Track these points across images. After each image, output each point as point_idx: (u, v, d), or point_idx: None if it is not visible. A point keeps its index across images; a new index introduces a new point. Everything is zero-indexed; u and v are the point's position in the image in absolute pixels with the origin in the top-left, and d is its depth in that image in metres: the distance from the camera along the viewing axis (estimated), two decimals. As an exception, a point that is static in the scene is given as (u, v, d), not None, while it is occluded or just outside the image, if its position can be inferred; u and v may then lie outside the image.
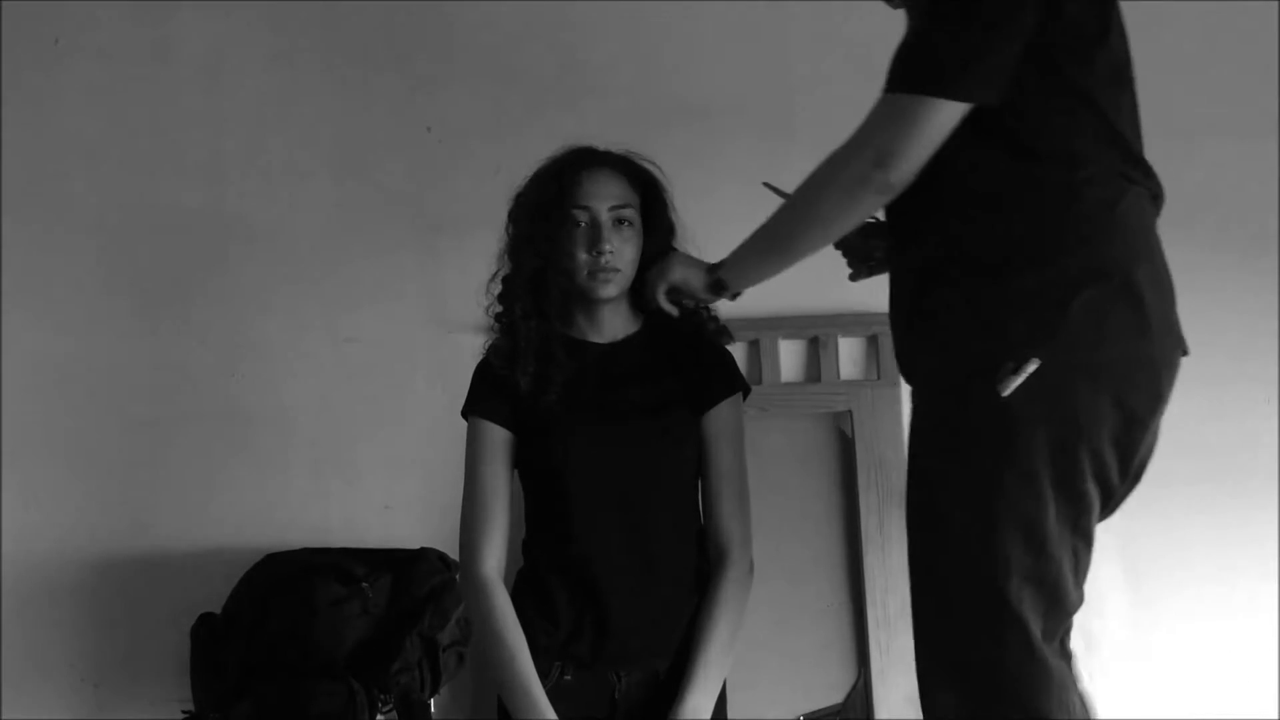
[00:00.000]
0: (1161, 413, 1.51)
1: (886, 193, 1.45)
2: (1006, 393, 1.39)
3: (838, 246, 1.79)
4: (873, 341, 2.54)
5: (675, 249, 1.78)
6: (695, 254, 1.80)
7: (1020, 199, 1.45)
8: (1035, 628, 1.44)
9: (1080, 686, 1.52)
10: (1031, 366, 1.39)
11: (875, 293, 1.78)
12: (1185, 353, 1.54)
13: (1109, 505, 1.53)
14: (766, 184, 1.74)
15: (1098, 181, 1.45)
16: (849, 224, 1.54)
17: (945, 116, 1.42)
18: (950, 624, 1.49)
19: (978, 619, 1.45)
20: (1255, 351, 2.54)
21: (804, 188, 1.53)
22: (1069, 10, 1.45)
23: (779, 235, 1.58)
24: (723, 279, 1.67)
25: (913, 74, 1.43)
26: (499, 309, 1.78)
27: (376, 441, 2.58)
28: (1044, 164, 1.45)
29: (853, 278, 1.84)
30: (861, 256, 1.81)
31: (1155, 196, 1.55)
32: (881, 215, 1.63)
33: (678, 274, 1.72)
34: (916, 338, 1.57)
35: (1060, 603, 1.47)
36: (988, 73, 1.41)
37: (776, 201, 1.66)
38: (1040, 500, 1.43)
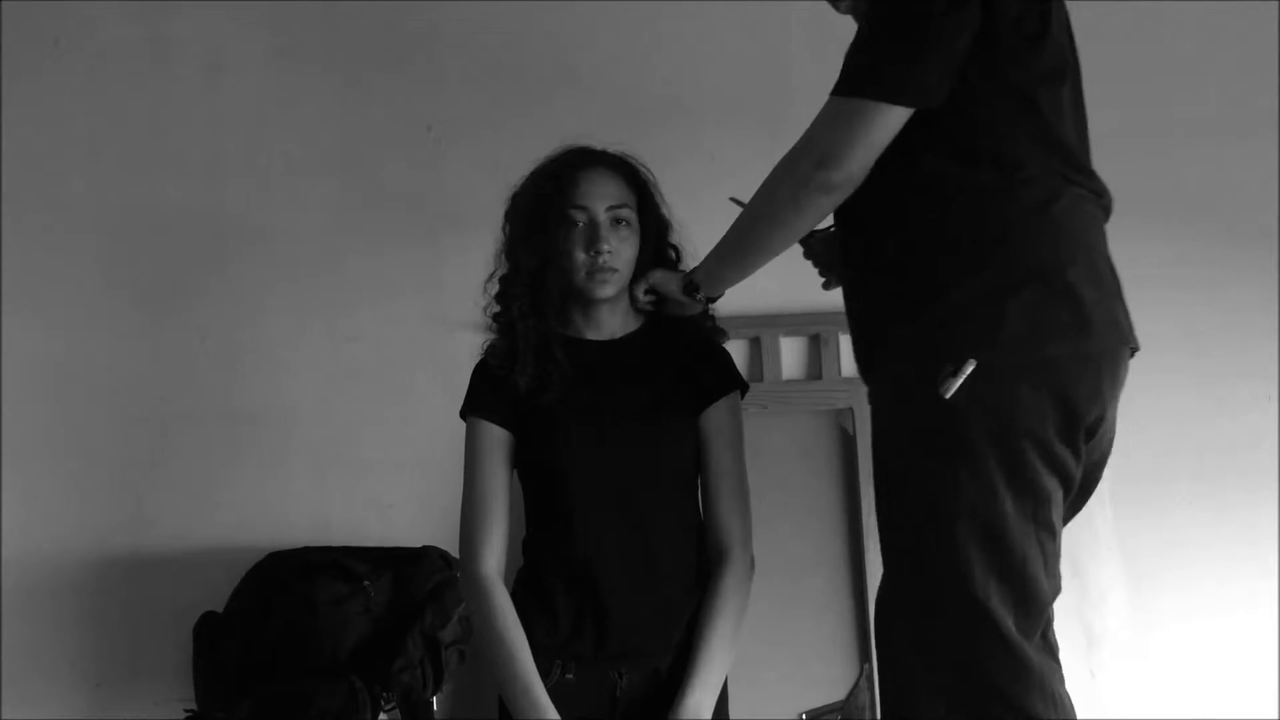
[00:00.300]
0: (1111, 406, 1.53)
1: (832, 193, 1.49)
2: (948, 394, 1.42)
3: (807, 256, 1.83)
4: (873, 339, 2.54)
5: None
6: (690, 252, 1.82)
7: (960, 201, 1.47)
8: (1009, 623, 1.45)
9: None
10: (969, 368, 1.42)
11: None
12: (1135, 348, 1.55)
13: (1074, 494, 1.55)
14: (733, 199, 1.76)
15: (1035, 183, 1.48)
16: (802, 224, 1.57)
17: (887, 120, 1.45)
18: (925, 625, 1.49)
19: (949, 618, 1.46)
20: (1255, 349, 2.54)
21: (759, 192, 1.58)
22: (1009, 10, 1.47)
23: (741, 239, 1.64)
24: (694, 281, 1.74)
25: (855, 78, 1.47)
26: (496, 309, 1.79)
27: (377, 440, 2.58)
28: (983, 166, 1.48)
29: (825, 286, 1.87)
30: (828, 264, 1.83)
31: (1099, 195, 1.57)
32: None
33: (655, 275, 1.79)
34: (865, 341, 1.61)
35: (1032, 595, 1.48)
36: (928, 77, 1.44)
37: None
38: (994, 496, 1.44)
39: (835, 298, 1.75)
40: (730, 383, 1.81)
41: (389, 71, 2.65)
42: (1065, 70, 1.55)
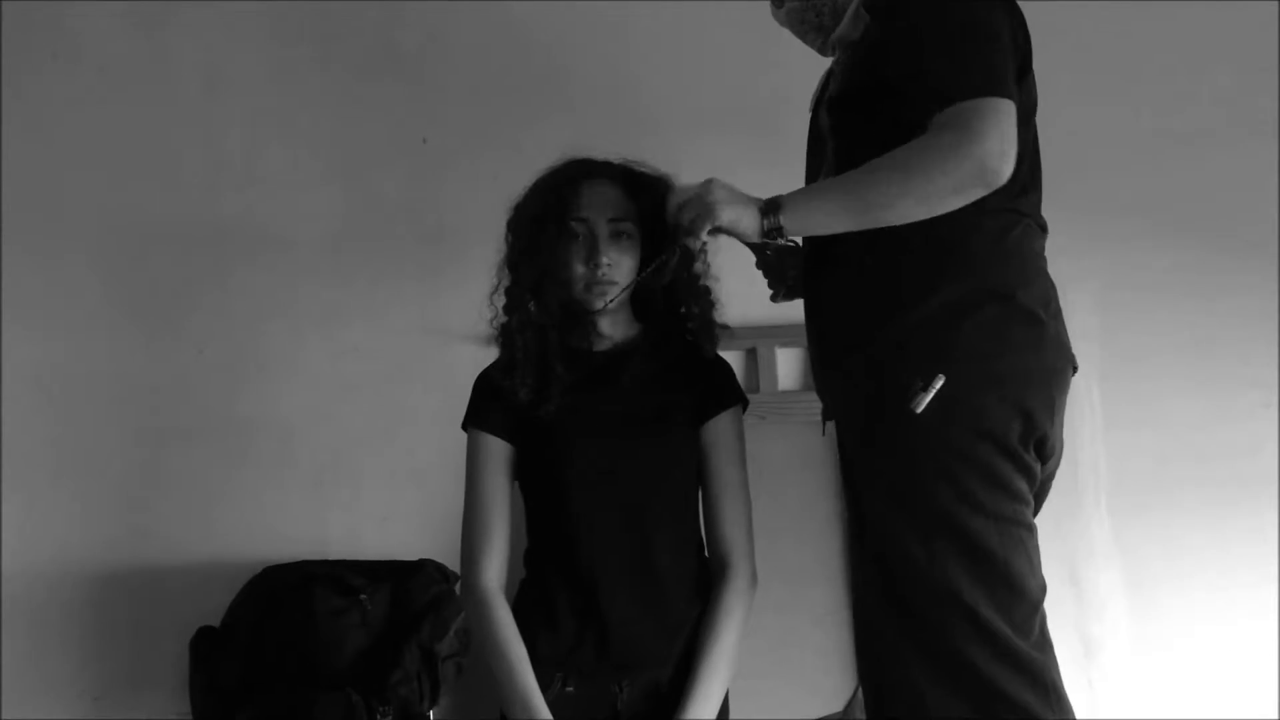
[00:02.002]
0: (1059, 420, 1.59)
1: (991, 187, 1.47)
2: (919, 409, 1.48)
3: (760, 267, 1.82)
4: (870, 350, 2.54)
5: (712, 180, 1.61)
6: (695, 259, 1.80)
7: (927, 231, 1.50)
8: (1001, 624, 1.48)
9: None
10: (939, 383, 1.48)
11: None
12: (1075, 369, 1.62)
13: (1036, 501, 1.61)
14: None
15: (992, 212, 1.53)
16: (942, 211, 1.50)
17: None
18: (917, 631, 1.51)
19: (941, 626, 1.49)
20: (1255, 355, 2.53)
21: (903, 165, 1.48)
22: (1021, 45, 1.57)
23: (864, 198, 1.51)
24: (782, 225, 1.55)
25: (977, 81, 1.47)
26: (502, 320, 1.78)
27: (375, 452, 2.58)
28: None
29: (774, 298, 1.86)
30: (779, 276, 1.83)
31: (1042, 228, 1.65)
32: (799, 240, 1.69)
33: (726, 215, 1.56)
34: (829, 359, 1.65)
35: (1022, 595, 1.51)
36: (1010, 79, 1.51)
37: None
38: (972, 504, 1.49)
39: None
40: (732, 397, 1.81)
41: (386, 84, 2.65)
42: (1033, 112, 1.64)
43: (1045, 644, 1.56)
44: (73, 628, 2.57)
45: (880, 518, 1.56)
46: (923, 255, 1.53)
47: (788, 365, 2.58)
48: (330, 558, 2.41)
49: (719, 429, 1.78)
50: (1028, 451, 1.53)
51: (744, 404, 1.83)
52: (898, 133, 1.49)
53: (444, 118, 2.63)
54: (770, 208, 1.55)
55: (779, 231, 1.55)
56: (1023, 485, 1.54)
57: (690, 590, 1.75)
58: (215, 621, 2.34)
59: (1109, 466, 2.48)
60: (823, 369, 1.69)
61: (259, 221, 2.63)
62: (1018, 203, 1.58)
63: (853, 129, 1.61)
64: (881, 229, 1.51)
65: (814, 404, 2.53)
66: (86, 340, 2.61)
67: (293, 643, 2.18)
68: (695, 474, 1.78)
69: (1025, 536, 1.53)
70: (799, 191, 1.58)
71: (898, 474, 1.53)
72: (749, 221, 1.55)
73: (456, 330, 2.45)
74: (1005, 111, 1.46)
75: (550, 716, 1.65)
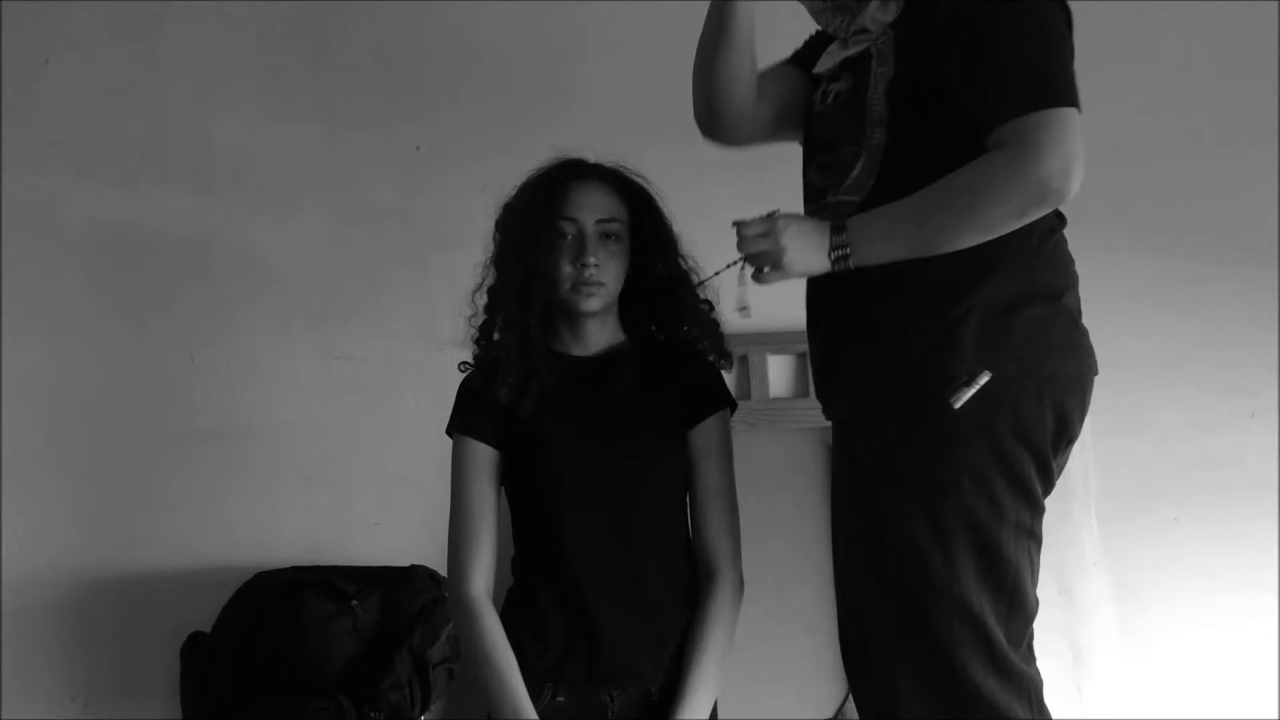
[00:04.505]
0: (1082, 427, 1.58)
1: (1058, 204, 1.46)
2: (959, 404, 1.45)
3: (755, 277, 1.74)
4: (861, 357, 2.55)
5: (780, 213, 1.57)
6: (692, 265, 1.80)
7: None
8: (998, 633, 1.48)
9: None
10: (983, 379, 1.45)
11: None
12: (1096, 373, 1.61)
13: None
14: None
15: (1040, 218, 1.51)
16: (1006, 232, 1.48)
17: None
18: (913, 631, 1.50)
19: (940, 627, 1.48)
20: (1240, 363, 2.55)
21: (964, 195, 1.46)
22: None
23: (926, 232, 1.49)
24: (849, 265, 1.53)
25: (1050, 89, 1.44)
26: (482, 319, 1.78)
27: (366, 458, 2.58)
28: None
29: (746, 314, 1.76)
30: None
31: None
32: None
33: (798, 268, 1.55)
34: (865, 353, 1.59)
35: (1021, 607, 1.51)
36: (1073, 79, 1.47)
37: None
38: (995, 506, 1.48)
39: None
40: (720, 401, 1.80)
41: (378, 90, 2.65)
42: None
43: (1032, 657, 1.56)
44: (63, 633, 2.56)
45: (897, 514, 1.51)
46: (973, 254, 1.48)
47: (779, 372, 2.59)
48: (321, 564, 2.41)
49: (707, 433, 1.77)
50: (1056, 457, 1.52)
51: (732, 407, 1.82)
52: (959, 135, 1.46)
53: (437, 125, 2.64)
54: (840, 258, 1.52)
55: (846, 268, 1.53)
56: (1041, 495, 1.52)
57: (679, 596, 1.75)
58: (206, 627, 2.33)
59: (1098, 475, 2.49)
60: (843, 368, 1.62)
61: (250, 228, 2.62)
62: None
63: (909, 124, 1.54)
64: None
65: (805, 410, 2.56)
66: (77, 347, 2.60)
67: (283, 649, 2.18)
68: (683, 479, 1.77)
69: (1034, 550, 1.53)
70: (860, 226, 1.52)
71: (925, 469, 1.49)
72: (817, 266, 1.54)
73: (447, 337, 2.44)
74: (1067, 122, 1.41)
75: (538, 720, 1.64)
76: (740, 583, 1.77)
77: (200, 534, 2.56)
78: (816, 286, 1.70)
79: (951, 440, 1.47)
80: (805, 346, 2.51)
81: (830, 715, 2.43)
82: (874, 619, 1.56)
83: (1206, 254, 2.56)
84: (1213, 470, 2.54)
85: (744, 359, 2.55)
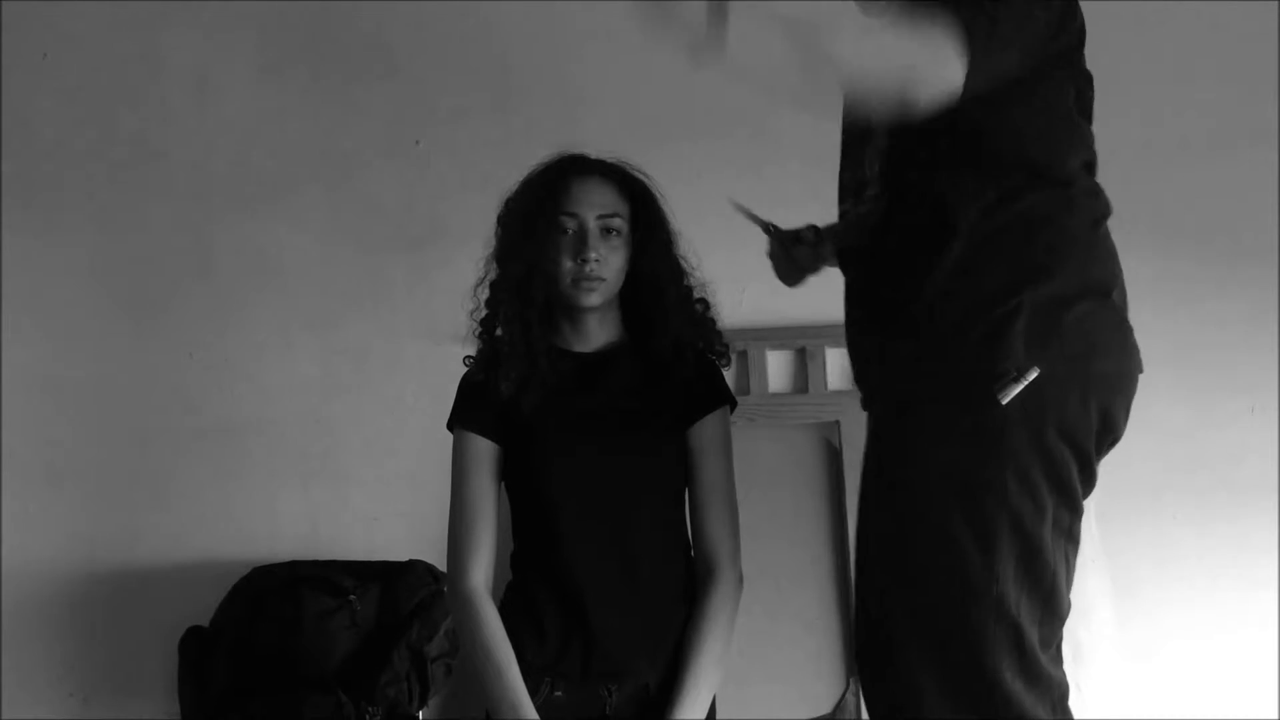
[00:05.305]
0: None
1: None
2: (1005, 400, 1.41)
3: (797, 259, 1.77)
4: (861, 353, 2.54)
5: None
6: (694, 263, 1.80)
7: (1021, 209, 1.45)
8: (1032, 636, 1.45)
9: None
10: (1032, 374, 1.40)
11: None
12: (1141, 370, 1.57)
13: None
14: (736, 204, 1.73)
15: (1083, 199, 1.49)
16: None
17: None
18: (943, 629, 1.47)
19: (975, 630, 1.45)
20: (1240, 362, 2.55)
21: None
22: (1081, 25, 1.50)
23: None
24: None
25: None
26: (484, 313, 1.77)
27: (365, 453, 2.58)
28: (1042, 177, 1.47)
29: (793, 283, 1.82)
30: (786, 266, 1.79)
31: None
32: (820, 224, 1.66)
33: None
34: (902, 348, 1.55)
35: (1055, 609, 1.48)
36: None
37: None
38: (1038, 505, 1.44)
39: (822, 311, 1.73)
40: (719, 398, 1.80)
41: (377, 85, 2.66)
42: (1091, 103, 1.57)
43: (1059, 660, 1.53)
44: (62, 628, 2.56)
45: (935, 511, 1.47)
46: (1021, 242, 1.45)
47: (778, 367, 2.59)
48: (319, 558, 2.41)
49: (706, 430, 1.77)
50: (1098, 457, 1.49)
51: (731, 404, 1.82)
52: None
53: (435, 120, 2.64)
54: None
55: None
56: (1081, 496, 1.49)
57: (677, 592, 1.75)
58: (204, 622, 2.34)
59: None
60: (887, 358, 1.58)
61: (249, 223, 2.63)
62: (1096, 188, 1.53)
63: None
64: (1002, 199, 1.46)
65: (804, 406, 2.56)
66: (76, 342, 2.61)
67: (281, 643, 2.18)
68: (682, 476, 1.77)
69: (1071, 553, 1.48)
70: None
71: (969, 466, 1.45)
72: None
73: (446, 331, 2.44)
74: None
75: (537, 717, 1.64)
76: (739, 580, 1.77)
77: (199, 529, 2.56)
78: (855, 277, 1.65)
79: (997, 437, 1.43)
80: (804, 343, 2.54)
81: (827, 712, 2.43)
82: (901, 616, 1.52)
83: (1207, 254, 2.56)
84: (1213, 469, 2.54)
85: (743, 354, 2.55)
